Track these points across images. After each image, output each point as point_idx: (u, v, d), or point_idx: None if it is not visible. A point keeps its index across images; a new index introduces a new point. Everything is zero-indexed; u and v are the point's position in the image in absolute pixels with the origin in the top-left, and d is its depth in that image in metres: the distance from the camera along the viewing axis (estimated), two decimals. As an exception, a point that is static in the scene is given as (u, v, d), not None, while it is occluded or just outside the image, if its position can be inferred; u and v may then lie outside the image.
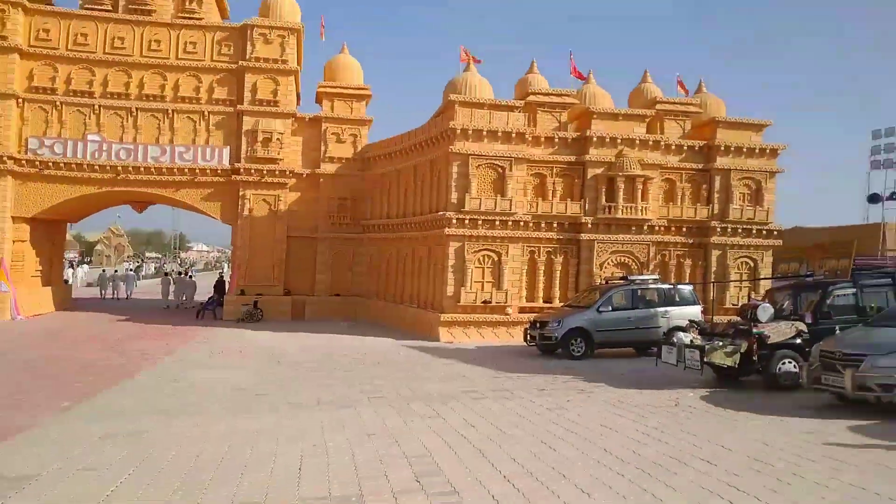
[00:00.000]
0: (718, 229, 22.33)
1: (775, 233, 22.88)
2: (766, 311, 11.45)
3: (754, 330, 10.97)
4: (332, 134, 26.52)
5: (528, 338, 16.92)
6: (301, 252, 26.20)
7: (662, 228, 22.11)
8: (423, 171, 22.71)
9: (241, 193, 25.43)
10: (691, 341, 11.47)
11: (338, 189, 26.43)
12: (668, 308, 16.74)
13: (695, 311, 16.93)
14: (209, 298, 26.90)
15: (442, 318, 19.81)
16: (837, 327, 11.30)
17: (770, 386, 11.09)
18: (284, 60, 25.80)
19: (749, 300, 11.83)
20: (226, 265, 75.20)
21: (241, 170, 25.28)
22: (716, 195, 22.69)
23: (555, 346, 16.17)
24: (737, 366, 10.94)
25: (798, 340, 11.14)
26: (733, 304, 22.03)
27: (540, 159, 21.52)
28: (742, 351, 10.87)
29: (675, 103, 23.51)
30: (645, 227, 21.69)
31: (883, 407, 8.75)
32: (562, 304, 20.65)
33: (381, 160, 25.50)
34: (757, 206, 22.66)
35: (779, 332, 11.04)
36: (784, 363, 11.00)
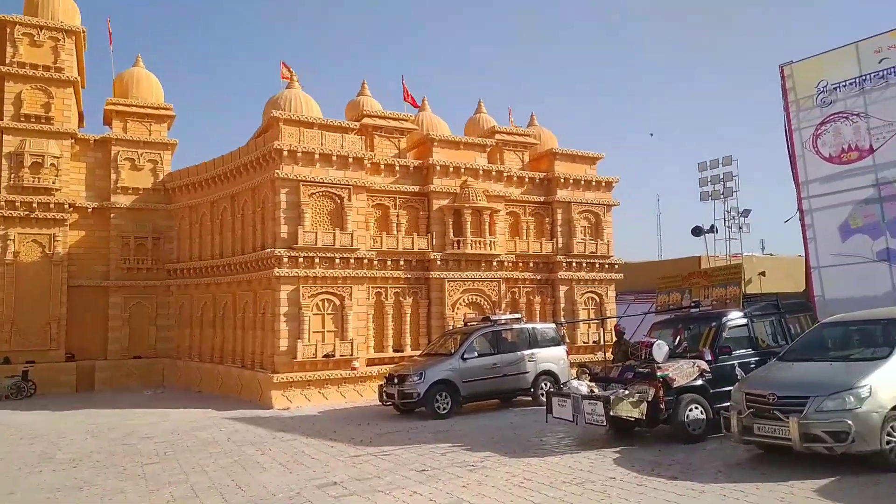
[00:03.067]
0: (564, 264, 21.70)
1: (616, 266, 22.89)
2: (661, 349, 10.13)
3: (659, 373, 9.52)
4: (126, 159, 22.09)
5: (384, 396, 14.32)
6: (88, 305, 21.23)
7: (511, 264, 20.95)
8: (244, 202, 19.34)
9: (1, 232, 20.12)
10: (591, 391, 9.73)
11: (135, 226, 21.93)
12: (535, 350, 15.19)
13: (561, 353, 15.61)
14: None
15: (275, 380, 16.46)
16: (736, 363, 10.32)
17: (678, 437, 9.67)
18: (59, 68, 21.14)
19: (641, 339, 10.57)
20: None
21: (2, 202, 20.02)
22: (559, 228, 22.12)
23: (417, 403, 13.75)
24: (644, 417, 9.38)
25: (699, 382, 9.91)
26: (584, 342, 21.42)
27: (381, 188, 19.32)
28: (649, 399, 9.35)
29: (513, 133, 22.79)
30: (494, 263, 20.33)
31: (832, 458, 7.54)
32: (414, 352, 18.40)
33: (190, 190, 21.60)
34: (598, 240, 22.48)
35: (682, 373, 9.73)
36: (691, 409, 9.67)
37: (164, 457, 10.85)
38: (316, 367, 17.02)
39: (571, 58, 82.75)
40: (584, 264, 22.04)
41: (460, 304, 19.69)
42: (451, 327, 18.83)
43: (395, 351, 18.87)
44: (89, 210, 21.64)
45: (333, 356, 17.11)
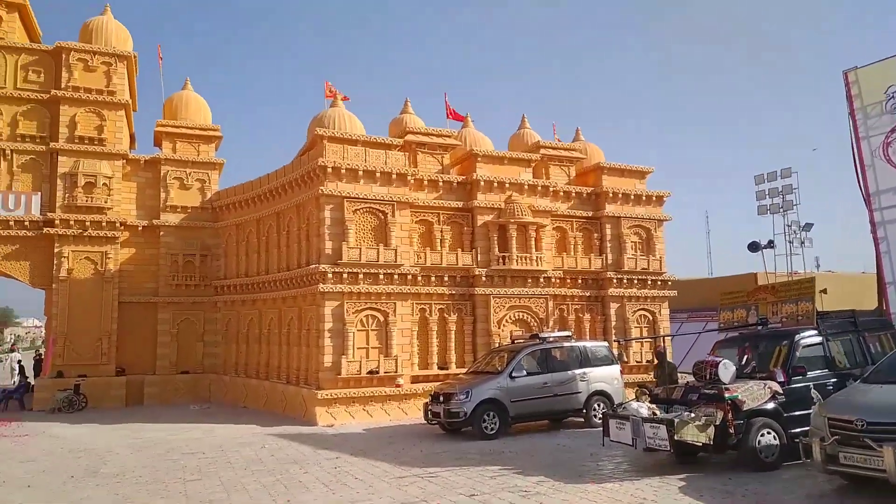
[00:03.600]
0: (615, 280, 20.97)
1: (670, 283, 22.04)
2: (727, 369, 9.43)
3: (727, 395, 8.84)
4: (175, 179, 22.42)
5: (430, 414, 13.89)
6: (138, 321, 21.48)
7: (559, 280, 20.34)
8: (289, 219, 19.33)
9: (56, 250, 20.55)
10: (652, 414, 9.10)
11: (183, 243, 22.18)
12: (586, 370, 14.56)
13: (614, 372, 14.94)
14: (18, 384, 21.32)
15: (319, 396, 16.22)
16: (812, 385, 9.55)
17: (748, 464, 8.94)
18: (111, 91, 21.67)
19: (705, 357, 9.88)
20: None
21: (57, 221, 20.48)
22: (608, 244, 21.43)
23: (463, 423, 13.27)
24: (711, 442, 8.70)
25: (771, 405, 9.18)
26: (637, 361, 20.59)
27: (425, 204, 19.04)
28: (717, 423, 8.67)
29: (559, 148, 22.30)
30: (541, 279, 19.77)
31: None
32: (459, 370, 17.94)
33: (237, 208, 21.77)
34: (650, 256, 21.70)
35: (752, 395, 9.02)
36: (763, 434, 8.94)
37: (207, 474, 10.63)
38: (360, 384, 16.72)
39: (616, 74, 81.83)
40: (636, 281, 21.27)
41: (506, 321, 19.17)
42: (497, 345, 18.33)
43: (439, 368, 18.44)
44: (139, 228, 22.00)
45: (378, 373, 16.79)
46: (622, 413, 9.45)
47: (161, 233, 22.07)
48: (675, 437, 8.48)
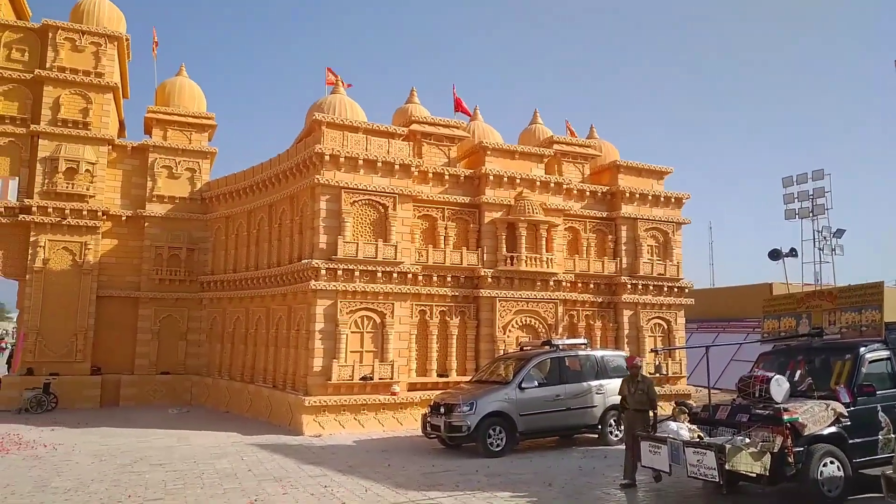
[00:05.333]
0: (629, 286, 19.55)
1: (687, 290, 20.65)
2: (781, 386, 8.04)
3: (785, 417, 7.43)
4: (163, 167, 21.06)
5: (428, 427, 12.45)
6: (117, 317, 20.08)
7: (570, 284, 18.92)
8: (282, 211, 17.94)
9: (32, 239, 19.18)
10: (698, 437, 7.67)
11: (169, 236, 20.79)
12: (602, 381, 13.14)
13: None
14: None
15: (307, 403, 14.76)
16: (879, 406, 8.14)
17: (808, 498, 7.52)
18: (99, 73, 20.37)
19: (752, 371, 8.51)
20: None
21: (35, 208, 19.11)
22: (623, 247, 20.03)
23: (466, 438, 11.83)
24: (767, 473, 7.28)
25: (833, 429, 7.77)
26: (650, 373, 19.12)
27: (429, 199, 17.67)
28: (774, 450, 7.25)
29: (573, 144, 20.92)
30: (551, 283, 18.37)
31: None
32: (461, 378, 16.53)
33: (227, 199, 20.40)
34: (667, 261, 20.29)
35: (814, 418, 7.62)
36: (826, 464, 7.53)
37: (171, 491, 9.22)
38: (352, 391, 15.28)
39: (632, 68, 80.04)
40: (651, 287, 19.86)
41: (512, 326, 17.75)
42: (502, 351, 16.92)
43: (439, 375, 17.01)
44: (123, 218, 20.63)
45: (372, 379, 15.35)
46: (658, 435, 8.01)
47: (146, 224, 20.69)
48: (727, 467, 7.06)
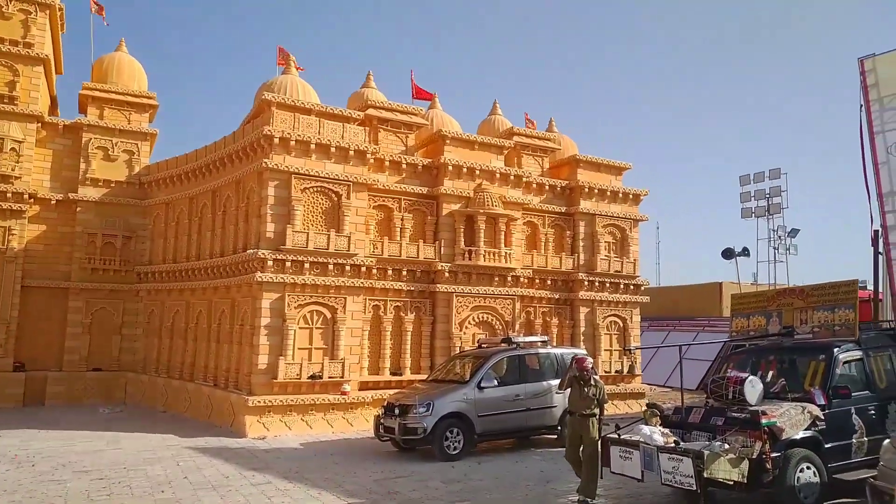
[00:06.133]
0: (586, 282, 19.24)
1: (643, 288, 20.51)
2: (755, 387, 7.68)
3: (763, 420, 7.05)
4: (98, 148, 19.61)
5: (382, 429, 11.73)
6: (44, 309, 18.61)
7: (527, 280, 18.47)
8: (227, 197, 16.86)
9: (-52, 223, 17.48)
10: (674, 443, 7.21)
11: (103, 222, 19.36)
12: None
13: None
14: None
15: (250, 403, 13.81)
16: (853, 409, 7.88)
17: (782, 506, 7.17)
18: (29, 43, 18.81)
19: (725, 372, 8.13)
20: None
21: (-49, 189, 17.46)
22: (581, 243, 19.69)
23: (421, 440, 11.18)
24: (745, 480, 6.88)
25: (809, 433, 7.45)
26: (605, 371, 18.88)
27: (385, 188, 16.90)
28: (753, 456, 6.86)
29: (533, 137, 20.47)
30: (509, 278, 17.87)
31: None
32: (414, 376, 15.89)
33: (167, 184, 19.14)
34: (624, 258, 20.08)
35: (791, 421, 7.28)
36: (802, 470, 7.20)
37: (95, 502, 8.24)
38: (300, 390, 14.41)
39: (589, 60, 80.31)
40: (608, 284, 19.61)
41: (469, 322, 17.19)
42: (458, 349, 16.34)
43: (392, 374, 16.31)
44: (53, 202, 19.10)
45: (321, 377, 14.50)
46: (629, 440, 7.53)
47: (78, 209, 19.20)
48: (705, 474, 6.62)
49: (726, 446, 6.89)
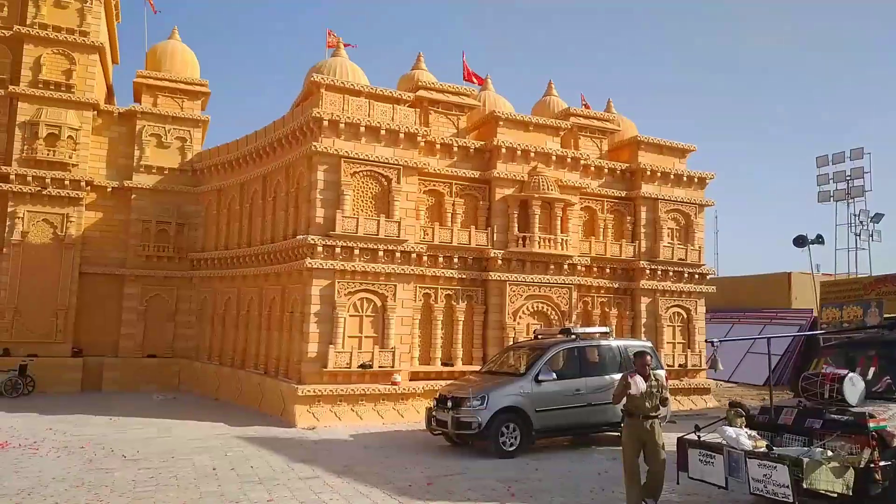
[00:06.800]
0: (648, 271, 18.24)
1: (708, 276, 19.34)
2: (855, 385, 6.78)
3: (871, 424, 6.15)
4: (152, 135, 19.70)
5: (434, 422, 11.19)
6: (100, 295, 18.84)
7: (584, 268, 17.61)
8: (277, 182, 16.60)
9: (10, 209, 17.94)
10: (766, 447, 6.38)
11: (158, 209, 19.46)
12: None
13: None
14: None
15: (300, 392, 13.51)
16: (972, 414, 6.85)
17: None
18: (84, 32, 18.97)
19: (821, 367, 7.25)
20: None
21: (13, 176, 17.81)
22: (642, 229, 18.68)
23: (476, 436, 10.59)
24: (850, 492, 6.01)
25: (922, 439, 6.49)
26: (668, 365, 17.85)
27: (436, 172, 16.32)
28: (860, 465, 5.98)
29: (591, 117, 19.51)
30: (565, 267, 17.05)
31: None
32: (466, 367, 15.30)
33: (219, 171, 19.05)
34: (688, 245, 18.95)
35: (902, 426, 6.33)
36: (914, 483, 6.27)
37: (139, 496, 7.98)
38: (350, 379, 14.03)
39: (649, 39, 77.56)
40: (671, 273, 18.54)
41: (523, 312, 16.48)
42: (512, 340, 15.67)
43: (443, 364, 15.78)
44: (109, 190, 19.29)
45: (371, 367, 14.10)
46: (711, 442, 6.73)
47: (133, 196, 19.36)
48: (804, 485, 5.78)
49: (829, 453, 6.03)
